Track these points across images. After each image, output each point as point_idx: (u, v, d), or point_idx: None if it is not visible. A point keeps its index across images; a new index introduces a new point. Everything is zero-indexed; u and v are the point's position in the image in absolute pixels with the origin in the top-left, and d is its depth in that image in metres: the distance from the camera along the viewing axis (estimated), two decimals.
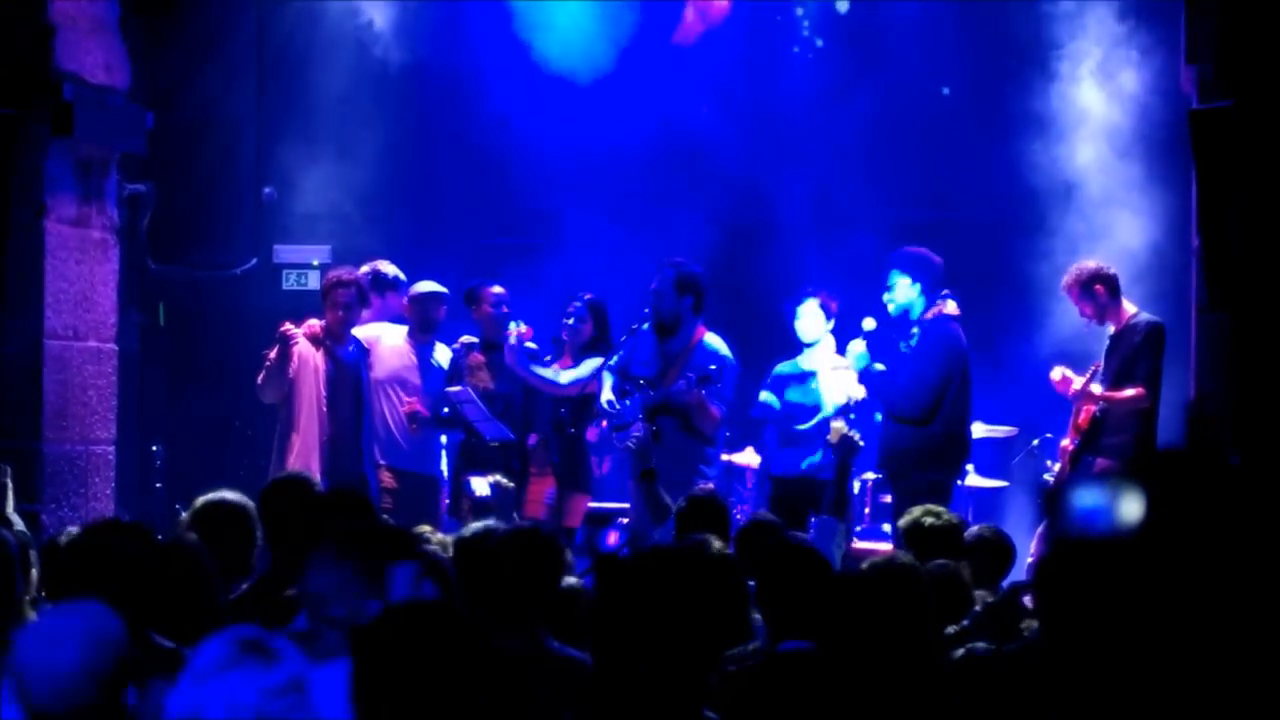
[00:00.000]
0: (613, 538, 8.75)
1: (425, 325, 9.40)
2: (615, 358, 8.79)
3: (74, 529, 5.50)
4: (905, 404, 8.48)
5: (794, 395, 9.07)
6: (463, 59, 11.30)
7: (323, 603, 3.83)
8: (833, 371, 8.97)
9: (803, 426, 9.00)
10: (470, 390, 9.06)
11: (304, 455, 8.79)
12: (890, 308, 8.64)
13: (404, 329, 9.45)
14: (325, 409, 8.95)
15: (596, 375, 8.89)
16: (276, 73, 11.33)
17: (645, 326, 8.72)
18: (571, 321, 9.21)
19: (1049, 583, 3.42)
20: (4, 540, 4.51)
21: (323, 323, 9.07)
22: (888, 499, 9.08)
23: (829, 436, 7.45)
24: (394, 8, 11.28)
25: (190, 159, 10.98)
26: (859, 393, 8.81)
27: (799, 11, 11.40)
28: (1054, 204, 10.61)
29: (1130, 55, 10.49)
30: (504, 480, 9.05)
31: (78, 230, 8.50)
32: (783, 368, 9.19)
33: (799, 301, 9.06)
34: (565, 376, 9.04)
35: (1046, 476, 9.21)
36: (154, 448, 10.98)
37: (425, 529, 6.10)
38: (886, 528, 9.00)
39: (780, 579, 4.67)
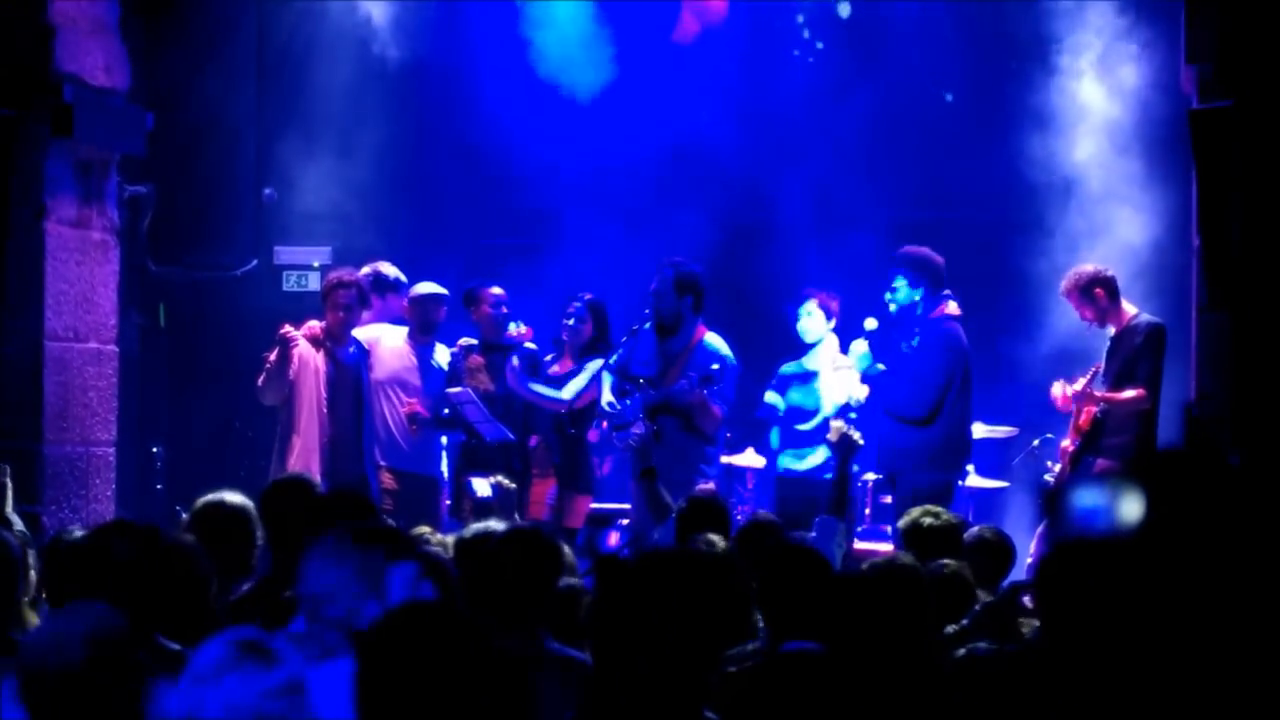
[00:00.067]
0: (614, 538, 8.77)
1: (425, 326, 9.39)
2: (614, 357, 8.79)
3: (77, 529, 5.50)
4: (906, 404, 8.48)
5: (796, 395, 9.08)
6: (463, 60, 11.30)
7: (321, 603, 3.82)
8: (835, 372, 8.98)
9: (803, 427, 9.00)
10: (470, 391, 9.06)
11: (304, 457, 8.79)
12: (891, 308, 8.64)
13: (404, 330, 9.44)
14: (326, 410, 8.95)
15: (597, 378, 8.88)
16: (277, 73, 11.31)
17: (646, 326, 8.73)
18: (571, 322, 9.21)
19: (1049, 583, 3.42)
20: (5, 542, 4.52)
21: (323, 324, 9.07)
22: (888, 499, 9.08)
23: (828, 435, 7.46)
24: (394, 6, 11.27)
25: (190, 160, 10.96)
26: (861, 393, 8.81)
27: (800, 19, 11.39)
28: (1054, 201, 10.59)
29: (1130, 50, 10.47)
30: (506, 481, 9.05)
31: (78, 231, 8.50)
32: (788, 368, 9.21)
33: (800, 303, 9.07)
34: (567, 391, 9.04)
35: (1047, 477, 9.20)
36: (154, 449, 10.96)
37: (425, 530, 6.10)
38: (887, 528, 9.00)
39: (780, 579, 4.67)
